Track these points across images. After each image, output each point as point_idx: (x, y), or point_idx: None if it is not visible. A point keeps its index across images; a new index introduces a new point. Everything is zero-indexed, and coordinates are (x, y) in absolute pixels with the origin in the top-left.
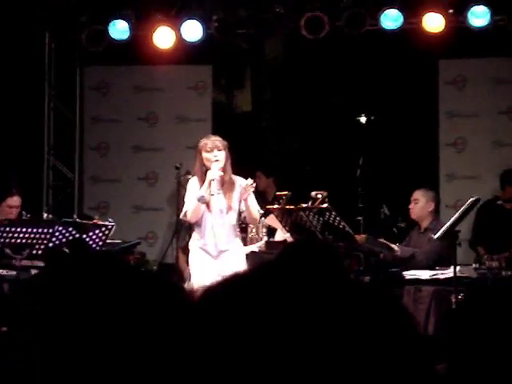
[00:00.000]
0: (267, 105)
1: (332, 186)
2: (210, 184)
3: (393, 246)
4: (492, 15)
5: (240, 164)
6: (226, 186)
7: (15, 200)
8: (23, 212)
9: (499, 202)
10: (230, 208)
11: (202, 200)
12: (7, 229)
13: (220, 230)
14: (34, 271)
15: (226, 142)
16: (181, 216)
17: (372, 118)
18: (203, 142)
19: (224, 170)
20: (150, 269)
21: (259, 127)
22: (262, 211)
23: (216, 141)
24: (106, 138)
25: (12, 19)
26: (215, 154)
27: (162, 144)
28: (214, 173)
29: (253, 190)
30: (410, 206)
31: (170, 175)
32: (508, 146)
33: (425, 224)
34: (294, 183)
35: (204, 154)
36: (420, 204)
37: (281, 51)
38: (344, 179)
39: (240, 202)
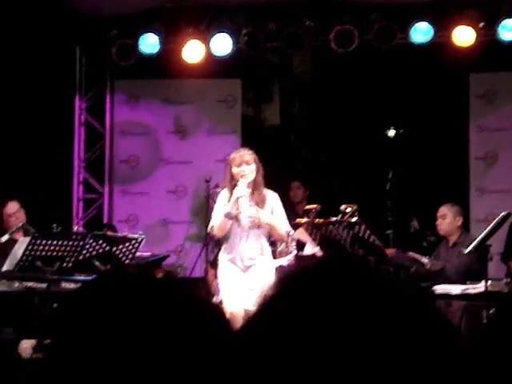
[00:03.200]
0: (295, 118)
1: (361, 199)
2: (236, 200)
3: (423, 259)
4: None
5: (271, 177)
6: (257, 199)
7: (9, 208)
8: (54, 225)
9: None
10: (260, 221)
11: (228, 216)
12: (38, 241)
13: (249, 243)
14: (64, 284)
15: (255, 156)
16: (208, 230)
17: (401, 131)
18: (232, 156)
19: (254, 183)
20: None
21: (288, 141)
22: (290, 229)
23: (245, 155)
24: (136, 151)
25: (43, 34)
26: (243, 168)
27: (191, 157)
28: (241, 190)
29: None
30: (438, 223)
31: (200, 188)
32: None
33: (453, 239)
34: (323, 196)
35: (233, 169)
36: (448, 219)
37: (309, 65)
38: (374, 192)
39: (272, 213)
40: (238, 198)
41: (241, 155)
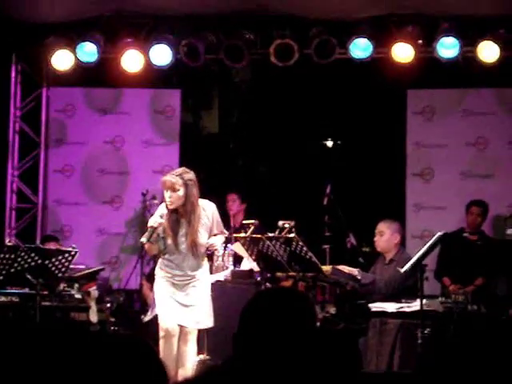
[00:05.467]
0: (234, 127)
1: (299, 213)
2: (154, 229)
3: (354, 272)
4: (461, 46)
5: (208, 187)
6: (192, 217)
7: None
8: None
9: (465, 235)
10: (196, 239)
11: (152, 241)
12: None
13: (186, 261)
14: None
15: (187, 178)
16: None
17: (338, 142)
18: (162, 179)
19: (184, 208)
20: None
21: (226, 149)
22: (226, 233)
23: (170, 181)
24: (71, 161)
25: None
26: (169, 194)
27: (128, 167)
28: (152, 220)
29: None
30: (375, 239)
31: (136, 199)
32: (475, 177)
33: (390, 255)
34: (260, 209)
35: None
36: (385, 236)
37: (248, 74)
38: (311, 207)
39: (209, 231)
40: (154, 227)
41: (165, 180)
